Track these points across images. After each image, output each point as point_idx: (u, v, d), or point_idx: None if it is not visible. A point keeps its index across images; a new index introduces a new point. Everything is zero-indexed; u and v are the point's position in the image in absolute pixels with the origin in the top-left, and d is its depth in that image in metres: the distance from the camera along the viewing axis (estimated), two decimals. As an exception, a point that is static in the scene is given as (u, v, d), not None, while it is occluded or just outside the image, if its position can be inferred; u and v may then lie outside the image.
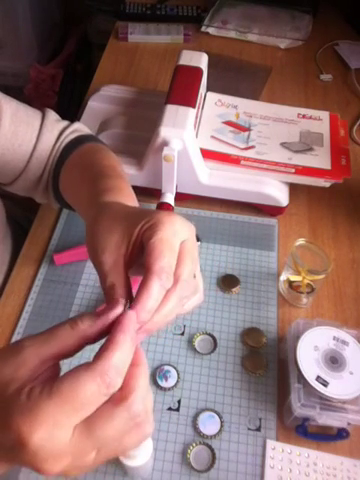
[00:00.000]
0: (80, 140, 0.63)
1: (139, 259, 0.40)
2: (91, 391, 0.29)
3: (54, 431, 0.28)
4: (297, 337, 0.59)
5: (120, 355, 0.31)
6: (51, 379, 0.30)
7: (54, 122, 0.63)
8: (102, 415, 0.30)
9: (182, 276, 0.38)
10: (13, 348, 0.32)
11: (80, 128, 0.66)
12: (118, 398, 0.31)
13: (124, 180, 0.55)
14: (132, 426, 0.32)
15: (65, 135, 0.63)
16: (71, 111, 1.70)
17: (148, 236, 0.38)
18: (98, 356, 0.30)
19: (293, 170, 0.77)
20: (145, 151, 0.75)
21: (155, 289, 0.36)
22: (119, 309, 0.34)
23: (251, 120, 0.85)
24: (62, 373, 0.31)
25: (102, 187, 0.51)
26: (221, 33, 1.17)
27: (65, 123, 0.65)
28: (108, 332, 0.33)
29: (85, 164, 0.59)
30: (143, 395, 0.32)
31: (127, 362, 0.32)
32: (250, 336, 0.66)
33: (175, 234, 0.38)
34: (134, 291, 0.37)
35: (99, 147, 0.63)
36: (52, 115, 0.64)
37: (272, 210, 0.80)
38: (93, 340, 0.33)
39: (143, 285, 0.36)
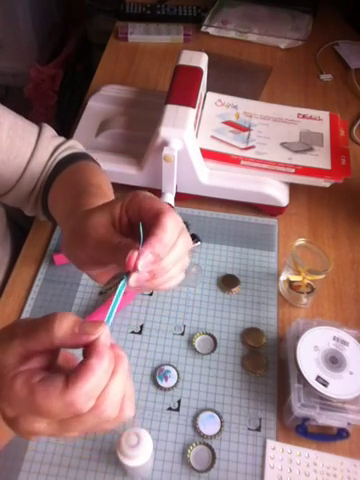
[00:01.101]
0: (73, 158, 0.64)
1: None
2: (58, 410, 0.32)
3: (19, 419, 0.33)
4: (297, 337, 0.59)
5: (94, 381, 0.32)
6: (36, 370, 0.33)
7: (50, 138, 0.64)
8: (45, 393, 0.33)
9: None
10: (7, 331, 0.35)
11: (74, 145, 0.66)
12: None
13: (108, 199, 0.54)
14: (104, 423, 0.34)
15: (59, 152, 0.64)
16: (71, 111, 1.70)
17: (137, 202, 0.41)
18: (73, 376, 0.32)
19: (293, 170, 0.77)
20: (145, 151, 0.75)
21: (169, 222, 0.38)
22: (99, 330, 0.34)
23: (251, 120, 0.85)
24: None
25: (83, 202, 0.52)
26: (221, 33, 1.17)
27: (60, 140, 0.66)
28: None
29: (73, 181, 0.59)
30: (115, 399, 0.34)
31: (101, 385, 0.33)
32: (250, 336, 0.66)
33: (154, 197, 0.42)
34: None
35: (90, 165, 0.63)
36: (48, 131, 0.65)
37: (272, 210, 0.80)
38: (70, 348, 0.34)
39: (157, 223, 0.38)
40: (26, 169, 0.62)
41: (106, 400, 0.33)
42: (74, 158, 0.64)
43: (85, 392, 0.32)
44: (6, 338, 0.34)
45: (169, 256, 0.39)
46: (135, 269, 0.38)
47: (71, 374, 0.32)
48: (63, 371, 0.34)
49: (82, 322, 0.34)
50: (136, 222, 0.41)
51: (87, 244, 0.42)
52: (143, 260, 0.37)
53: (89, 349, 0.33)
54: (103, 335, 0.34)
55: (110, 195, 0.57)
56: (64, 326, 0.33)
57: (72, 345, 0.34)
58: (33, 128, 0.64)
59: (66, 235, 0.48)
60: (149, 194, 0.42)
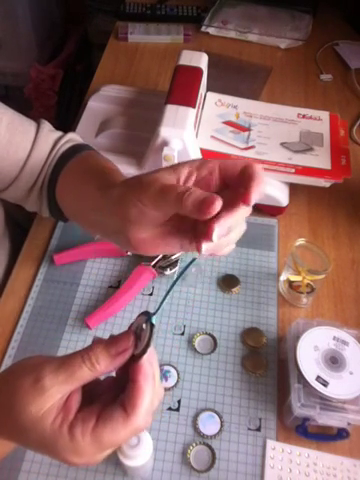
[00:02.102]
0: (77, 149, 0.63)
1: None
2: (127, 438, 0.35)
3: (89, 460, 0.36)
4: (297, 337, 0.59)
5: (147, 400, 0.35)
6: (85, 412, 0.36)
7: (49, 132, 0.64)
8: (110, 430, 0.35)
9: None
10: (36, 389, 0.35)
11: (74, 138, 0.66)
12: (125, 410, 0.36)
13: None
14: (133, 434, 0.37)
15: (60, 144, 0.63)
16: (71, 111, 1.70)
17: (212, 165, 0.40)
18: (129, 403, 0.35)
19: (293, 170, 0.77)
20: (145, 151, 0.75)
21: (257, 168, 0.39)
22: (130, 344, 0.37)
23: (251, 120, 0.85)
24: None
25: (118, 178, 0.51)
26: (221, 33, 1.17)
27: (59, 133, 0.66)
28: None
29: (87, 166, 0.59)
30: (146, 411, 0.36)
31: (152, 401, 0.36)
32: (250, 336, 0.66)
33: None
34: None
35: (97, 154, 0.63)
36: (47, 126, 0.65)
37: (272, 210, 0.80)
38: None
39: (245, 193, 0.37)
40: (26, 163, 0.62)
41: (138, 409, 0.36)
42: (78, 149, 0.63)
43: (144, 413, 0.35)
44: (33, 386, 0.35)
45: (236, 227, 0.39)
46: (209, 239, 0.37)
47: (126, 400, 0.35)
48: (91, 391, 0.38)
49: (111, 342, 0.37)
50: (211, 181, 0.40)
51: (147, 193, 0.40)
52: (219, 230, 0.37)
53: (133, 369, 0.36)
54: (145, 361, 0.36)
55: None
56: (102, 358, 0.36)
57: (113, 370, 0.37)
58: (31, 123, 0.64)
59: (114, 199, 0.45)
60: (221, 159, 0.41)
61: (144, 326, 0.38)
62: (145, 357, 0.36)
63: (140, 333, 0.38)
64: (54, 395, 0.35)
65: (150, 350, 0.36)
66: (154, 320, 0.38)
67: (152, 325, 0.38)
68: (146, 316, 0.39)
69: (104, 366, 0.36)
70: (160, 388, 0.38)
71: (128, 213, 0.42)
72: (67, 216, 0.62)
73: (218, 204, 0.36)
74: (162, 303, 0.38)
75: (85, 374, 0.36)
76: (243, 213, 0.39)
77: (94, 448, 0.35)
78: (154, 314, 0.38)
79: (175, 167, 0.41)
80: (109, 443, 0.35)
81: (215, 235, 0.37)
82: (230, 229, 0.38)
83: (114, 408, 0.35)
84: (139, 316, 0.40)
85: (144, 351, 0.37)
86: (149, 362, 0.37)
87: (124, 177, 0.54)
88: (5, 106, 0.62)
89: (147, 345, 0.37)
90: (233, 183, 0.40)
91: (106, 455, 0.37)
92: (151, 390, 0.36)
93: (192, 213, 0.37)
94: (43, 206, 0.65)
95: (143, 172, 0.75)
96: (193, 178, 0.40)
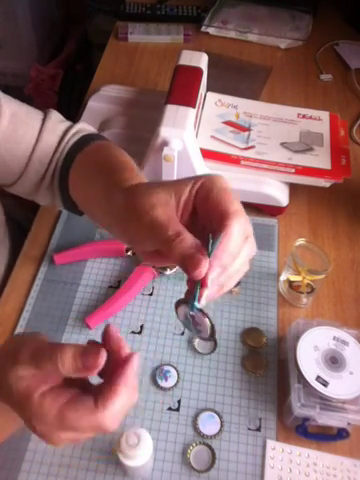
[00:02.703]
0: (87, 139, 0.60)
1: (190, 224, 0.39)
2: (87, 428, 0.36)
3: (47, 432, 0.37)
4: (297, 337, 0.59)
5: (120, 404, 0.36)
6: (61, 390, 0.37)
7: (56, 123, 0.61)
8: (75, 412, 0.36)
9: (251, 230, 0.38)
10: (8, 358, 0.38)
11: (84, 128, 0.63)
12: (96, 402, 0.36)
13: (140, 175, 0.52)
14: (96, 429, 0.37)
15: (70, 136, 0.60)
16: (71, 111, 1.69)
17: (206, 191, 0.37)
18: (102, 399, 0.35)
19: (293, 170, 0.77)
20: (145, 151, 0.75)
21: (236, 230, 0.35)
22: (97, 363, 0.36)
23: (251, 120, 0.85)
24: None
25: (122, 177, 0.49)
26: (221, 33, 1.17)
27: (68, 124, 0.63)
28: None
29: (98, 159, 0.56)
30: (114, 413, 0.36)
31: (124, 408, 0.36)
32: (250, 336, 0.66)
33: (229, 188, 0.38)
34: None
35: (109, 144, 0.60)
36: (55, 115, 0.62)
37: (272, 210, 0.80)
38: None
39: (223, 227, 0.35)
40: (32, 155, 0.59)
41: (107, 409, 0.36)
42: (89, 139, 0.60)
43: (112, 414, 0.35)
44: (10, 364, 0.37)
45: (233, 265, 0.37)
46: (205, 286, 0.36)
47: (99, 396, 0.36)
48: (77, 384, 0.38)
49: (82, 354, 0.36)
50: (202, 213, 0.38)
51: (141, 222, 0.38)
52: (212, 275, 0.35)
53: (118, 372, 0.36)
54: (135, 361, 0.37)
55: (139, 172, 0.53)
56: (67, 363, 0.36)
57: (81, 376, 0.37)
58: (38, 114, 0.61)
59: (116, 209, 0.43)
60: (222, 182, 0.38)
61: (192, 313, 0.37)
62: (134, 364, 0.37)
63: (193, 320, 0.37)
64: (22, 370, 0.37)
65: (136, 359, 0.37)
66: (197, 306, 0.37)
67: (200, 309, 0.37)
68: (186, 305, 0.37)
69: (67, 371, 0.36)
70: (134, 396, 0.38)
71: (126, 228, 0.41)
72: (82, 210, 0.59)
73: (204, 268, 0.34)
74: (197, 287, 0.36)
75: (49, 369, 0.36)
76: (247, 255, 0.38)
77: (56, 421, 0.36)
78: (194, 300, 0.37)
79: (177, 187, 0.39)
80: (70, 424, 0.35)
81: (203, 300, 0.37)
82: (233, 274, 0.37)
83: (88, 397, 0.36)
84: (180, 307, 0.39)
85: (213, 332, 0.37)
86: (134, 372, 0.37)
87: (134, 171, 0.52)
88: (10, 98, 0.60)
89: (212, 328, 0.36)
90: (204, 216, 0.38)
91: (64, 440, 0.37)
92: (126, 398, 0.36)
93: (178, 264, 0.36)
94: (57, 199, 0.63)
95: (143, 172, 0.76)
96: (192, 201, 0.39)
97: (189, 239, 0.36)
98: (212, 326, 0.37)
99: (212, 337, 0.38)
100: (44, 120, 0.61)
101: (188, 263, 0.35)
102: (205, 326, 0.37)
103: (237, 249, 0.36)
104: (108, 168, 0.52)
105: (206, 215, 0.38)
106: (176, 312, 0.39)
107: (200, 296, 0.36)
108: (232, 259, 0.36)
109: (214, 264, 0.35)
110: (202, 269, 0.35)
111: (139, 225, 0.38)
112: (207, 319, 0.37)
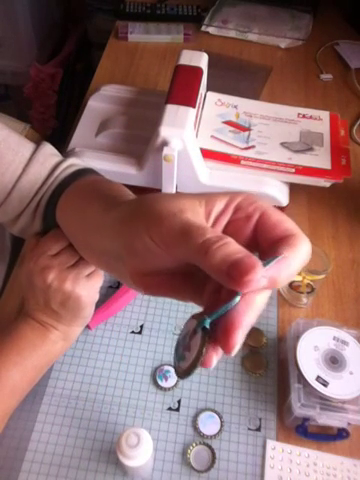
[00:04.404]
0: (81, 172, 0.54)
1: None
2: (27, 263, 0.53)
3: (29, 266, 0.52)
4: (297, 337, 0.59)
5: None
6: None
7: (48, 155, 0.55)
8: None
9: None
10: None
11: (76, 162, 0.56)
12: None
13: None
14: (26, 274, 0.53)
15: (61, 169, 0.53)
16: (71, 111, 1.69)
17: (251, 206, 0.32)
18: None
19: (293, 170, 0.77)
20: (145, 151, 0.75)
21: (305, 250, 0.30)
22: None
23: (251, 120, 0.85)
24: None
25: (128, 193, 0.44)
26: (221, 33, 1.17)
27: (60, 158, 0.56)
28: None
29: (93, 189, 0.49)
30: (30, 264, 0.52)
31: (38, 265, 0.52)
32: (250, 336, 0.66)
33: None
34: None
35: (104, 178, 0.54)
36: (48, 148, 0.56)
37: (272, 210, 0.80)
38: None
39: (291, 245, 0.30)
40: (15, 186, 0.52)
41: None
42: (82, 173, 0.54)
43: (32, 262, 0.52)
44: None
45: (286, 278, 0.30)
46: (229, 352, 0.28)
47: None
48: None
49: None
50: (246, 234, 0.32)
51: (162, 227, 0.31)
52: (242, 336, 0.28)
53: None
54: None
55: None
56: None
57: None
58: (30, 144, 0.56)
59: (122, 215, 0.37)
60: (270, 206, 0.33)
61: (195, 331, 0.31)
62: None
63: (189, 341, 0.31)
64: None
65: None
66: (208, 324, 0.29)
67: (206, 330, 0.30)
68: (197, 320, 0.31)
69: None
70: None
71: (130, 243, 0.34)
72: (68, 237, 0.51)
73: (256, 275, 0.26)
74: (222, 310, 0.29)
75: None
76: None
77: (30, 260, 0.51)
78: (209, 317, 0.30)
79: (207, 197, 0.32)
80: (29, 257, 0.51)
81: (236, 348, 0.28)
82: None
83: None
84: (189, 320, 0.33)
85: (194, 365, 0.29)
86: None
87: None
88: (2, 125, 0.55)
89: (197, 358, 0.29)
90: (264, 245, 0.31)
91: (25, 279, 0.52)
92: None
93: (217, 273, 0.28)
94: (34, 228, 0.55)
95: (143, 172, 0.76)
96: (226, 219, 0.32)
97: (235, 243, 0.29)
98: (197, 359, 0.29)
99: (187, 373, 0.30)
100: (35, 151, 0.55)
101: (235, 269, 0.27)
102: (191, 355, 0.30)
103: (297, 271, 0.30)
104: (107, 194, 0.46)
105: (253, 236, 0.33)
106: (185, 325, 0.33)
107: (230, 329, 0.28)
108: (289, 278, 0.30)
109: (270, 270, 0.28)
110: (253, 276, 0.26)
111: (156, 232, 0.32)
112: (200, 349, 0.29)
